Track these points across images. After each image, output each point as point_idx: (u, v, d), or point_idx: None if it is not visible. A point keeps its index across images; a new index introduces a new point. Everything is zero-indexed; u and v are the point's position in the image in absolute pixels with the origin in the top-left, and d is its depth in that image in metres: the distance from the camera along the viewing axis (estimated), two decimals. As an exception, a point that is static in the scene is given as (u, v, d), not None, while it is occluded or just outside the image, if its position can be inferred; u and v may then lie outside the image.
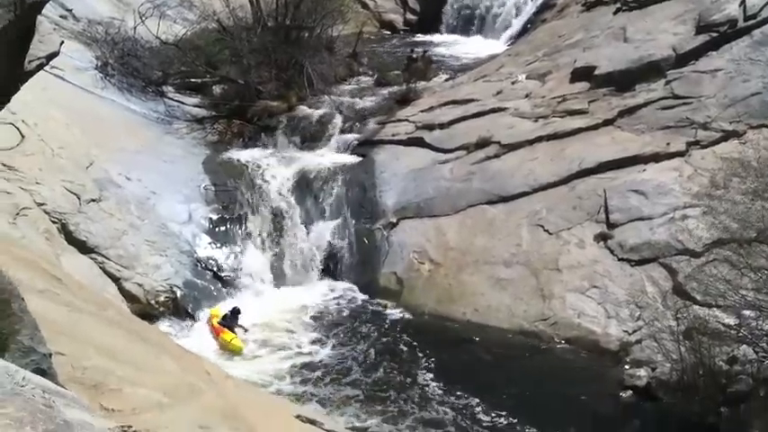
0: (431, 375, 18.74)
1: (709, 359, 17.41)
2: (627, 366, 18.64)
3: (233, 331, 19.86)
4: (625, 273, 20.56)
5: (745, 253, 16.99)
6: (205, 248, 22.57)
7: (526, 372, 18.87)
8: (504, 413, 17.43)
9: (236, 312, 20.28)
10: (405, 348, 20.03)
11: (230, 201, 23.97)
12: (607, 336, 19.52)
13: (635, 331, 19.36)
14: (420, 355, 19.69)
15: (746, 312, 17.20)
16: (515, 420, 17.19)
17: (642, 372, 18.23)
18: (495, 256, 21.99)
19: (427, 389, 18.24)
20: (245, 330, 20.29)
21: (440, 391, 18.10)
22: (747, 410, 16.35)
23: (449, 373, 18.76)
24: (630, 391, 17.90)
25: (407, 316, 21.35)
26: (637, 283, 20.22)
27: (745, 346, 17.44)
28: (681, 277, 19.84)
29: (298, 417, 15.28)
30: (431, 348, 19.87)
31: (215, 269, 22.34)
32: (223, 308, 20.76)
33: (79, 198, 20.35)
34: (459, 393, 18.04)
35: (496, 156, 24.49)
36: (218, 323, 19.97)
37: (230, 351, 19.53)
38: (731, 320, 17.72)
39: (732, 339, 17.67)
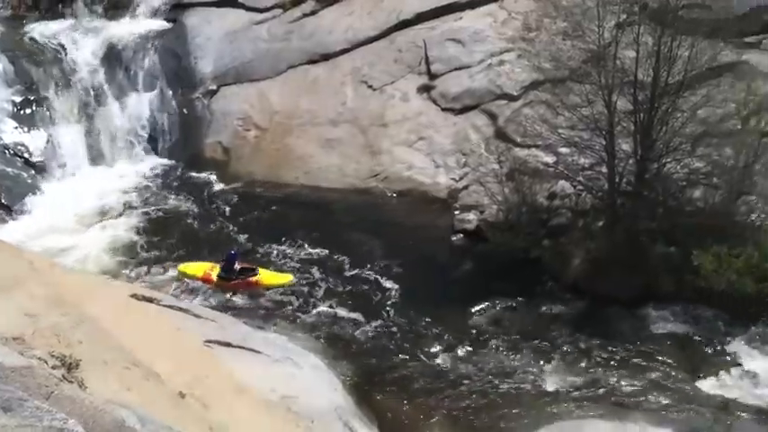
0: (267, 236, 18.71)
1: (530, 197, 18.29)
2: (457, 212, 19.27)
3: (246, 275, 17.16)
4: (449, 122, 20.93)
5: (559, 92, 17.68)
6: (11, 134, 20.91)
7: (361, 226, 19.14)
8: (341, 263, 17.83)
9: (232, 259, 17.10)
10: (235, 216, 19.74)
11: (33, 80, 22.06)
12: (436, 185, 20.00)
13: (462, 178, 19.94)
14: (253, 220, 19.51)
15: (563, 150, 18.06)
16: (354, 271, 17.61)
17: (471, 215, 18.94)
18: (322, 117, 21.73)
19: (269, 249, 18.25)
20: (256, 271, 17.32)
21: (276, 249, 18.11)
22: (568, 241, 17.46)
23: (283, 233, 18.75)
24: (461, 235, 18.64)
25: (237, 185, 20.89)
26: (461, 131, 20.67)
27: (563, 181, 18.42)
28: (501, 121, 20.48)
29: (133, 296, 14.80)
30: (264, 213, 19.72)
31: (25, 155, 20.80)
32: (191, 263, 17.75)
33: None
34: (295, 249, 18.22)
35: (313, 12, 23.73)
36: (222, 277, 17.01)
37: (280, 286, 17.23)
38: (549, 159, 18.61)
39: (551, 176, 18.61)
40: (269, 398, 12.72)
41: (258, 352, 14.09)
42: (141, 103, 22.75)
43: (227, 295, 17.01)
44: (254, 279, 17.07)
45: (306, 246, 18.42)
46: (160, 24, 24.38)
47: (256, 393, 12.78)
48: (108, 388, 9.94)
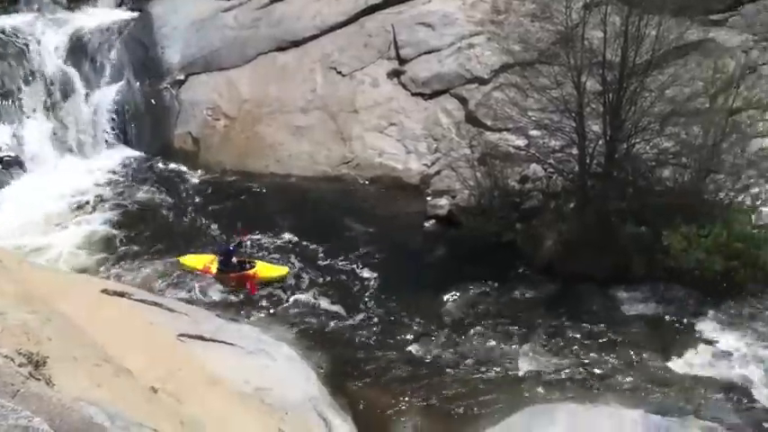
0: (235, 225, 18.37)
1: (502, 181, 18.32)
2: (429, 198, 19.29)
3: (244, 269, 17.05)
4: (420, 107, 20.89)
5: (528, 75, 17.66)
6: (-22, 129, 20.64)
7: (333, 214, 19.09)
8: (314, 251, 17.77)
9: (230, 253, 17.02)
10: (207, 207, 19.61)
11: (-2, 74, 21.78)
12: (408, 171, 19.98)
13: (434, 163, 19.94)
14: (224, 210, 19.38)
15: (534, 132, 18.06)
16: (328, 260, 17.56)
17: (443, 201, 18.95)
18: (291, 104, 21.58)
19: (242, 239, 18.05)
20: (253, 264, 17.25)
21: (249, 239, 17.92)
22: (540, 223, 17.52)
23: (255, 222, 18.58)
24: (434, 221, 18.66)
25: (207, 176, 20.78)
26: (431, 116, 20.64)
27: (534, 164, 18.45)
28: (472, 105, 20.47)
29: (104, 291, 14.68)
30: (235, 203, 19.62)
31: (-8, 150, 20.54)
32: (191, 255, 17.69)
33: None
34: (267, 239, 18.13)
35: (281, -2, 23.54)
36: (222, 270, 16.94)
37: (276, 281, 17.07)
38: (520, 142, 18.60)
39: (522, 160, 18.63)
40: (242, 390, 12.69)
41: (232, 344, 14.05)
42: (108, 95, 22.48)
43: (227, 289, 16.85)
44: (251, 272, 17.01)
45: (278, 235, 18.36)
46: (125, 14, 24.13)
47: (230, 386, 12.75)
48: (77, 385, 9.86)
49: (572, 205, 17.72)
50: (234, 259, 17.00)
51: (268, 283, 16.98)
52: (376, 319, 15.76)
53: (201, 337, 13.90)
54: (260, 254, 17.83)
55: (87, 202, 19.91)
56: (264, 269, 17.18)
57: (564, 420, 12.51)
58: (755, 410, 13.06)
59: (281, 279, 17.03)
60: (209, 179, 20.60)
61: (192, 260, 17.47)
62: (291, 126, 21.21)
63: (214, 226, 18.88)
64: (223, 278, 16.99)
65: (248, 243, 17.80)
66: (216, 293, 16.67)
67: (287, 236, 18.32)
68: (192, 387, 12.39)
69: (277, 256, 17.67)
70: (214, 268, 17.06)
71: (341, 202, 19.45)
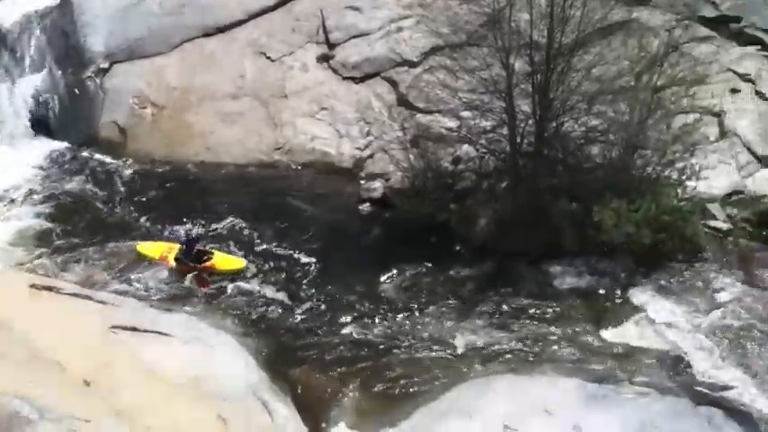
0: (172, 216, 18.24)
1: (435, 162, 18.39)
2: (362, 181, 19.26)
3: (202, 261, 16.67)
4: (351, 91, 20.81)
5: (458, 57, 17.75)
6: None
7: (267, 201, 18.86)
8: (249, 238, 17.60)
9: (192, 243, 16.86)
10: (137, 197, 19.15)
11: None
12: (341, 155, 19.90)
13: (366, 146, 19.90)
14: (155, 200, 19.00)
15: (465, 113, 18.15)
16: (264, 246, 17.38)
17: (377, 184, 18.95)
18: (220, 91, 21.25)
19: (175, 230, 17.68)
20: (211, 255, 16.87)
21: (182, 229, 17.63)
22: (474, 203, 17.65)
23: (188, 211, 18.32)
24: (368, 204, 18.64)
25: (136, 166, 20.23)
26: (363, 99, 20.58)
27: (466, 145, 18.55)
28: (403, 88, 20.50)
29: (33, 286, 14.29)
30: (166, 193, 19.23)
31: None
32: (149, 243, 17.32)
33: None
34: (201, 228, 17.86)
35: (206, -17, 23.11)
36: (181, 259, 16.59)
37: (233, 273, 16.65)
38: (452, 123, 18.69)
39: (454, 141, 18.74)
40: (179, 379, 12.54)
41: (167, 334, 13.86)
42: (30, 85, 21.81)
43: (186, 281, 16.40)
44: (210, 263, 16.66)
45: (212, 223, 18.07)
46: (46, 2, 23.32)
47: (166, 376, 12.58)
48: (5, 380, 9.59)
49: (504, 184, 17.89)
50: (195, 249, 16.70)
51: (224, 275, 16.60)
52: (315, 304, 15.68)
53: (135, 329, 13.68)
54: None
55: (14, 196, 19.29)
56: (222, 261, 16.82)
57: (503, 391, 12.70)
58: (687, 375, 13.39)
59: (239, 272, 16.65)
60: (138, 169, 20.11)
61: (150, 248, 17.04)
62: (221, 113, 20.89)
63: (145, 216, 18.45)
64: (180, 269, 16.58)
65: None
66: (159, 284, 16.28)
67: (221, 224, 18.05)
68: (126, 379, 12.21)
69: (214, 245, 17.35)
70: (172, 258, 16.68)
71: (275, 188, 19.25)
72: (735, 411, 12.54)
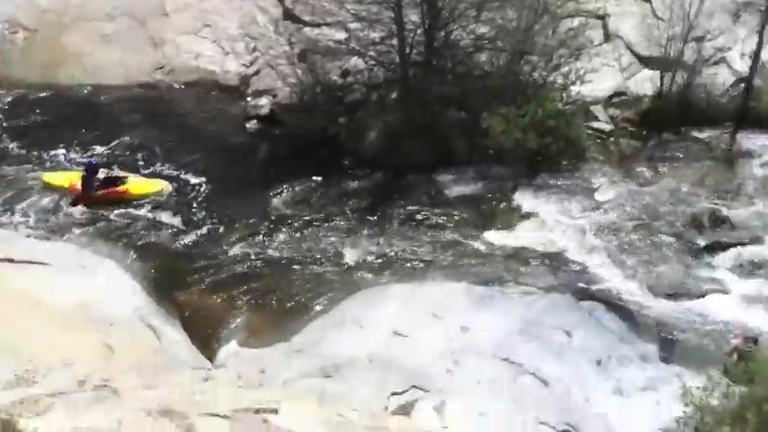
0: (50, 141, 17.44)
1: (324, 76, 18.11)
2: (249, 98, 18.78)
3: (112, 185, 15.90)
4: (234, 6, 20.16)
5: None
6: None
7: (150, 122, 18.23)
8: (133, 160, 17.04)
9: (92, 168, 15.86)
10: (12, 124, 18.15)
11: None
12: (226, 73, 19.38)
13: (252, 63, 19.40)
14: (31, 126, 18.08)
15: (353, 25, 17.80)
16: (150, 168, 16.86)
17: (264, 100, 18.52)
18: (96, 12, 20.29)
19: (55, 155, 17.09)
20: (125, 180, 16.08)
21: (61, 154, 17.08)
22: (364, 116, 17.46)
23: (68, 136, 17.61)
24: (255, 121, 18.23)
25: (10, 91, 19.12)
26: (247, 14, 19.98)
27: (355, 58, 18.26)
28: (288, 2, 19.90)
29: None
30: (43, 118, 18.31)
31: None
32: (56, 172, 16.45)
33: None
34: (81, 153, 17.19)
35: None
36: (87, 187, 15.69)
37: (153, 195, 15.94)
38: (340, 36, 18.32)
39: (343, 53, 18.39)
40: (61, 309, 12.14)
41: (46, 264, 13.37)
42: None
43: (99, 211, 15.56)
44: (122, 188, 15.89)
45: (93, 147, 17.38)
46: None
47: (47, 306, 12.16)
48: None
49: (394, 96, 17.78)
50: (100, 175, 15.88)
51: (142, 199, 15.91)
52: (202, 225, 15.36)
53: (11, 260, 13.16)
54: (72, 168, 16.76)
55: None
56: (138, 185, 16.09)
57: (393, 299, 12.77)
58: (569, 273, 13.83)
59: (159, 194, 16.02)
60: (13, 95, 19.06)
61: (57, 178, 16.15)
62: (98, 34, 20.00)
63: (19, 143, 17.51)
64: (90, 198, 15.77)
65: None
66: (43, 214, 15.51)
67: (101, 147, 17.39)
68: (3, 312, 11.75)
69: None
70: (78, 184, 15.83)
71: (157, 109, 18.64)
72: (614, 305, 13.00)
